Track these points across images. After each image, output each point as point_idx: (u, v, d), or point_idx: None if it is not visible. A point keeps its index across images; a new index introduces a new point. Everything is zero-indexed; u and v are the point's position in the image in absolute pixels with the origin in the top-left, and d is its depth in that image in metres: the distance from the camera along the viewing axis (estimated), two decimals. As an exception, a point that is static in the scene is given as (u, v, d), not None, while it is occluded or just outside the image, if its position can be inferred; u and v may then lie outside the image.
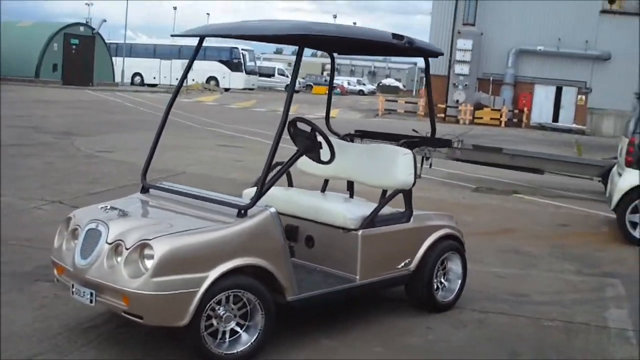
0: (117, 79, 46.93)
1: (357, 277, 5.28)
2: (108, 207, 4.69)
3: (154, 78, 52.09)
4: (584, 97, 37.92)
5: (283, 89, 58.59)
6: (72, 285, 4.59)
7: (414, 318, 5.71)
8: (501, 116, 36.48)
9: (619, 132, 35.90)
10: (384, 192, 6.06)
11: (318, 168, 5.99)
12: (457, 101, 37.21)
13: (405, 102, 41.31)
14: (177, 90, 5.56)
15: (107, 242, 4.44)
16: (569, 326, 5.82)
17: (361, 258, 5.28)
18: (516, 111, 37.75)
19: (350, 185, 6.45)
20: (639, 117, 9.11)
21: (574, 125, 36.71)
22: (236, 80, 50.25)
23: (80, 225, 4.71)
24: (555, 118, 38.36)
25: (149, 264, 4.27)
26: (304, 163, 6.15)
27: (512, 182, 14.00)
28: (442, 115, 37.07)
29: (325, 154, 5.35)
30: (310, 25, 4.81)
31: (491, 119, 36.50)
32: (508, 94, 38.05)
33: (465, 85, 37.30)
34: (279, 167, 5.18)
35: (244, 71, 51.04)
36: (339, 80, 75.31)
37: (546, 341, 5.45)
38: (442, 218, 6.07)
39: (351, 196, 6.44)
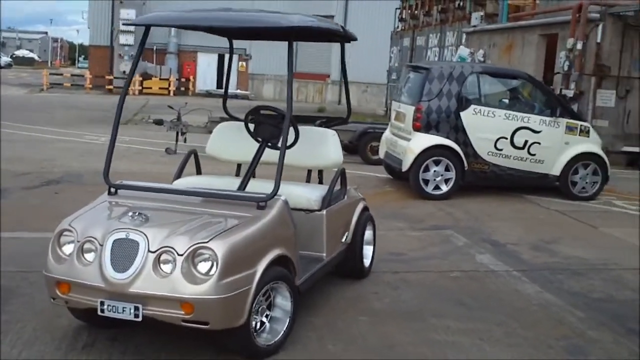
0: None
1: (324, 255, 5.54)
2: (136, 214, 4.35)
3: None
4: (244, 63, 39.80)
5: None
6: (101, 303, 4.22)
7: (353, 287, 6.10)
8: (169, 85, 36.80)
9: (278, 96, 38.67)
10: (309, 172, 6.34)
11: (234, 154, 6.09)
12: (124, 72, 36.65)
13: (72, 76, 39.58)
14: (128, 84, 5.22)
15: (149, 251, 4.17)
16: (469, 274, 6.69)
17: (326, 236, 5.54)
18: (183, 80, 38.38)
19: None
20: (422, 86, 10.28)
21: (239, 91, 38.45)
22: None
23: (95, 238, 4.31)
24: (220, 85, 39.69)
25: (204, 267, 4.16)
26: (219, 149, 6.18)
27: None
28: (110, 87, 36.37)
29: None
30: (310, 19, 4.91)
31: (160, 88, 36.61)
32: (173, 63, 38.54)
33: (131, 55, 36.85)
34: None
35: None
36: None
37: (469, 289, 6.25)
38: (355, 192, 6.50)
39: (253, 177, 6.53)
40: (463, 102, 10.24)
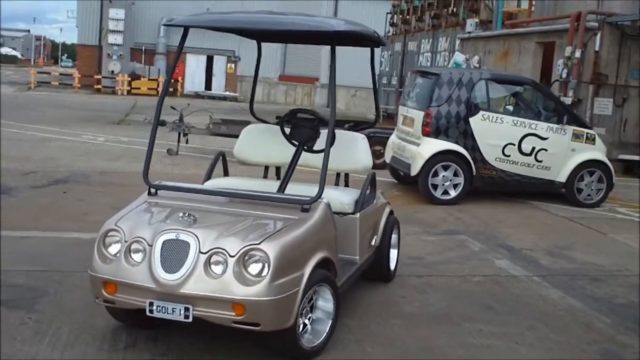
0: None
1: (357, 257, 5.57)
2: (186, 214, 4.35)
3: None
4: (233, 65, 39.81)
5: None
6: (150, 304, 4.21)
7: (381, 290, 6.14)
8: (158, 86, 36.69)
9: (267, 98, 38.68)
10: (338, 175, 6.37)
11: (263, 156, 6.11)
12: (113, 72, 36.54)
13: (60, 75, 39.36)
14: (166, 85, 5.23)
15: (201, 252, 4.18)
16: (491, 279, 6.75)
17: (359, 240, 5.57)
18: (171, 80, 38.26)
19: (277, 171, 6.56)
20: (431, 91, 10.35)
21: (228, 93, 38.46)
22: None
23: (143, 238, 4.31)
24: (208, 86, 39.73)
25: (255, 269, 4.17)
26: (247, 152, 6.19)
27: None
28: (98, 86, 36.21)
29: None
30: (348, 24, 4.93)
31: (148, 89, 36.50)
32: (162, 64, 38.43)
33: (120, 55, 36.75)
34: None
35: None
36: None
37: (494, 293, 6.30)
38: (381, 196, 6.54)
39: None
40: (472, 108, 10.33)
